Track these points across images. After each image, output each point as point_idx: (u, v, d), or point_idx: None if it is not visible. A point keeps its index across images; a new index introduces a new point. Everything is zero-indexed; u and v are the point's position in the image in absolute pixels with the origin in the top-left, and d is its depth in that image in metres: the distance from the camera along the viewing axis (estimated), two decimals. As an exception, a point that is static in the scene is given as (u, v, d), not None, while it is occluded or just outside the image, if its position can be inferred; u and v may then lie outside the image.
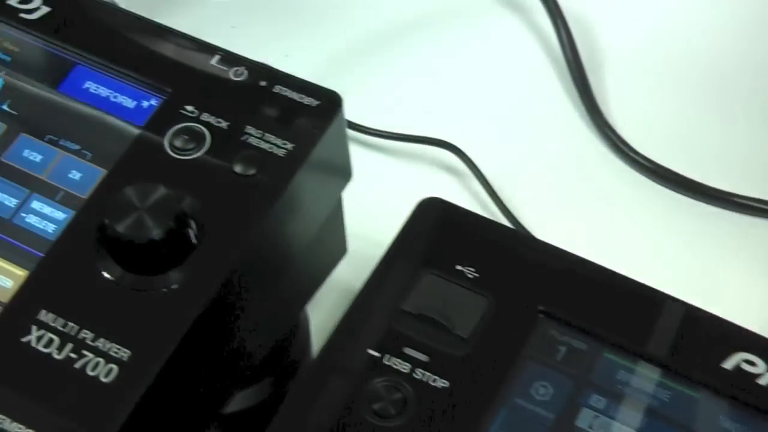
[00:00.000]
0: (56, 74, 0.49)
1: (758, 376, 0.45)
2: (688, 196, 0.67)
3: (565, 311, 0.47)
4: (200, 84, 0.48)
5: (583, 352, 0.46)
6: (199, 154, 0.46)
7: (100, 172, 0.46)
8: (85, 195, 0.46)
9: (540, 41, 0.73)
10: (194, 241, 0.44)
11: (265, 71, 0.48)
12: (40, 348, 0.42)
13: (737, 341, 0.45)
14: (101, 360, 0.42)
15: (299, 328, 0.54)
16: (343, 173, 0.49)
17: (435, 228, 0.49)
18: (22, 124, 0.48)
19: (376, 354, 0.45)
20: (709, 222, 0.65)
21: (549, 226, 0.64)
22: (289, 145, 0.46)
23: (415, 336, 0.46)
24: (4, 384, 0.42)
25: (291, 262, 0.48)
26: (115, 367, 0.42)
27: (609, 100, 0.71)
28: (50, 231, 0.45)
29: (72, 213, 0.45)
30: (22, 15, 0.50)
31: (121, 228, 0.43)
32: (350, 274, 0.55)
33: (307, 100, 0.47)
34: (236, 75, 0.48)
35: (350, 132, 0.55)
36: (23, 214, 0.46)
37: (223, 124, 0.46)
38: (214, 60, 0.48)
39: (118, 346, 0.42)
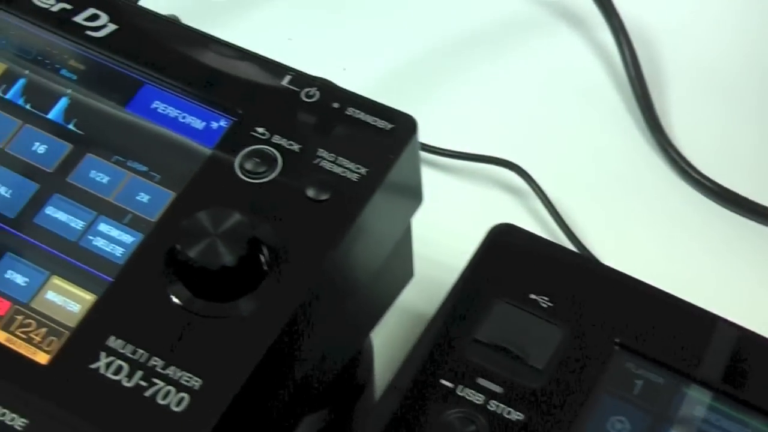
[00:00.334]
0: (123, 93, 0.49)
1: None
2: (754, 219, 0.66)
3: (641, 344, 0.46)
4: (271, 105, 0.48)
5: (660, 387, 0.46)
6: (270, 177, 0.46)
7: (169, 195, 0.46)
8: (153, 218, 0.46)
9: (602, 57, 0.72)
10: (266, 267, 0.43)
11: (338, 93, 0.48)
12: (109, 375, 0.42)
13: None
14: (172, 388, 0.42)
15: (363, 351, 0.54)
16: (415, 197, 0.49)
17: (507, 255, 0.49)
18: (88, 145, 0.48)
19: (449, 384, 0.45)
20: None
21: (610, 248, 0.64)
22: (363, 170, 0.46)
23: (489, 366, 0.46)
24: (73, 412, 0.42)
25: (360, 287, 0.48)
26: (186, 395, 0.42)
27: (672, 118, 0.70)
28: (118, 254, 0.45)
29: (140, 236, 0.45)
30: (89, 33, 0.50)
31: (193, 254, 0.43)
32: (412, 295, 0.55)
33: (381, 123, 0.47)
34: (308, 96, 0.48)
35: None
36: (90, 237, 0.46)
37: (295, 147, 0.46)
38: (285, 80, 0.48)
39: (189, 375, 0.42)
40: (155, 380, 0.42)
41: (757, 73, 0.71)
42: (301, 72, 0.48)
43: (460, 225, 0.64)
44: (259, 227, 0.44)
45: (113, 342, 0.43)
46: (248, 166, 0.46)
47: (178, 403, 0.41)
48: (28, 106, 0.49)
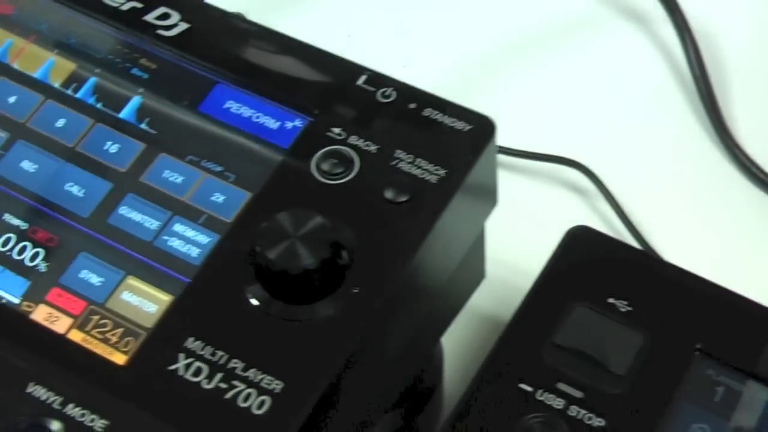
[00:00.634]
0: (196, 93, 0.49)
1: None
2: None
3: (722, 350, 0.47)
4: (347, 105, 0.48)
5: (741, 394, 0.46)
6: (348, 178, 0.46)
7: (245, 195, 0.47)
8: (229, 219, 0.46)
9: (666, 55, 0.73)
10: (345, 270, 0.44)
11: (415, 93, 0.48)
12: (189, 377, 0.43)
13: None
14: (253, 391, 0.42)
15: (433, 354, 0.54)
16: (490, 199, 0.50)
17: (585, 258, 0.49)
18: (161, 144, 0.48)
19: (528, 389, 0.46)
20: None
21: (676, 248, 0.64)
22: (442, 172, 0.46)
23: (569, 371, 0.46)
24: (153, 413, 0.42)
25: (436, 291, 0.48)
26: (267, 398, 0.42)
27: (737, 117, 0.70)
28: (194, 255, 0.46)
29: (216, 237, 0.46)
30: (160, 31, 0.50)
31: (272, 255, 0.43)
32: (477, 296, 0.55)
33: (459, 125, 0.47)
34: (384, 96, 0.48)
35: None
36: (165, 237, 0.46)
37: (372, 148, 0.47)
38: (361, 80, 0.49)
39: (270, 378, 0.43)
40: (235, 382, 0.43)
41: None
42: (377, 72, 0.49)
43: (524, 224, 0.65)
44: (339, 230, 0.44)
45: (192, 343, 0.43)
46: (325, 166, 0.47)
47: (260, 406, 0.42)
48: (99, 105, 0.49)
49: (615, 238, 0.50)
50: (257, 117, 0.49)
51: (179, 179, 0.47)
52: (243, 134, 0.48)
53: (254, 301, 0.44)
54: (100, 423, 0.42)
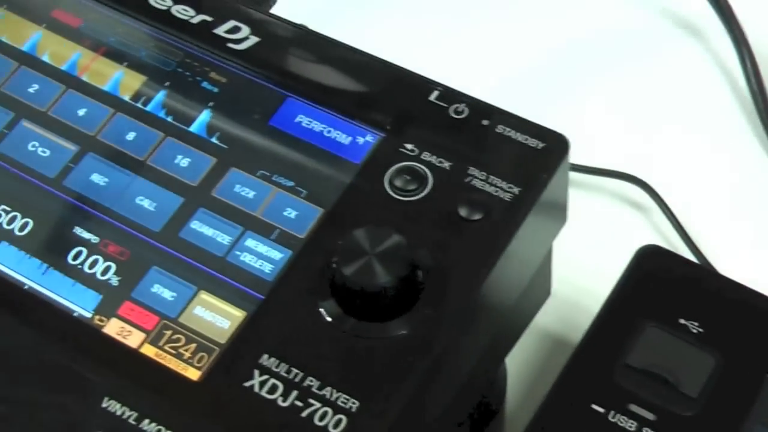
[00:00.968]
0: (266, 107, 0.50)
1: None
2: None
3: (795, 372, 0.47)
4: (419, 121, 0.49)
5: (816, 417, 0.46)
6: (421, 195, 0.47)
7: (317, 211, 0.47)
8: (302, 234, 0.47)
9: (723, 69, 0.73)
10: (420, 289, 0.44)
11: (487, 109, 0.49)
12: (264, 394, 0.43)
13: None
14: (329, 410, 0.43)
15: (497, 373, 0.55)
16: (561, 218, 0.50)
17: (655, 278, 0.49)
18: (232, 159, 0.49)
19: (600, 410, 0.46)
20: None
21: (735, 265, 0.64)
22: (515, 190, 0.47)
23: (641, 392, 0.47)
24: (228, 430, 0.43)
25: (505, 310, 0.48)
26: (343, 417, 0.43)
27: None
28: (267, 271, 0.46)
29: (289, 253, 0.46)
30: (231, 45, 0.51)
31: (349, 273, 0.44)
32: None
33: (533, 142, 0.48)
34: (456, 112, 0.49)
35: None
36: (237, 252, 0.47)
37: (445, 165, 0.47)
38: (433, 96, 0.49)
39: (347, 396, 0.43)
40: (311, 401, 0.43)
41: None
42: (449, 87, 0.49)
43: (581, 240, 0.65)
44: (415, 248, 0.45)
45: (267, 360, 0.44)
46: (398, 183, 0.47)
47: (336, 425, 0.43)
48: (169, 119, 0.50)
49: (685, 257, 0.50)
50: (328, 132, 0.49)
51: (251, 194, 0.48)
52: (314, 149, 0.49)
53: (328, 318, 0.45)
54: (175, 439, 0.43)
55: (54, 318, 0.46)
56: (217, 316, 0.45)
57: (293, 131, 0.49)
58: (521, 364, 0.58)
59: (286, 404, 0.43)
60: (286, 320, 0.45)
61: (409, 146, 0.48)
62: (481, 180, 0.47)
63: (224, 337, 0.45)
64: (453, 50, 0.73)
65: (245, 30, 0.51)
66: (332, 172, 0.48)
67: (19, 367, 0.45)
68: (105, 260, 0.47)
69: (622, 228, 0.66)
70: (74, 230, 0.48)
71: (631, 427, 0.46)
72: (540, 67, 0.73)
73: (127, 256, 0.47)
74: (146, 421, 0.43)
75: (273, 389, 0.43)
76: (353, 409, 0.43)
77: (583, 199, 0.68)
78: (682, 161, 0.69)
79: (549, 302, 0.56)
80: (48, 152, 0.50)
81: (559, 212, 0.50)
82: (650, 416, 0.46)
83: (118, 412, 0.43)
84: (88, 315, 0.46)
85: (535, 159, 0.47)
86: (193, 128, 0.50)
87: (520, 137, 0.48)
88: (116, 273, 0.47)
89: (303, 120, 0.49)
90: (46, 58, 0.52)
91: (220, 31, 0.51)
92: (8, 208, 0.49)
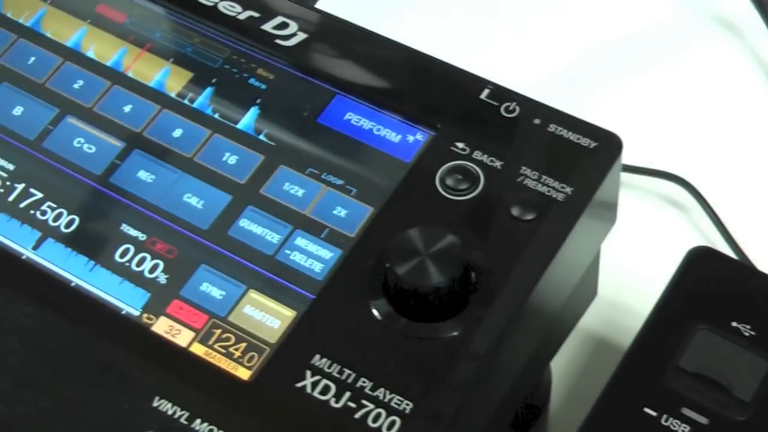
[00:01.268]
0: (315, 104, 0.50)
1: None
2: None
3: None
4: (470, 119, 0.48)
5: None
6: (473, 194, 0.47)
7: (367, 210, 0.47)
8: (352, 234, 0.47)
9: (762, 66, 0.73)
10: (473, 290, 0.44)
11: (538, 108, 0.49)
12: (317, 395, 0.43)
13: None
14: (382, 411, 0.43)
15: (542, 374, 0.55)
16: (611, 218, 0.50)
17: (706, 281, 0.49)
18: (280, 156, 0.49)
19: (653, 413, 0.46)
20: None
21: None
22: (568, 189, 0.46)
23: (693, 396, 0.46)
24: (280, 431, 0.43)
25: (555, 311, 0.48)
26: (397, 419, 0.43)
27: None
28: (317, 270, 0.46)
29: (339, 252, 0.46)
30: (279, 41, 0.51)
31: (402, 272, 0.43)
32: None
33: (585, 141, 0.48)
34: (507, 111, 0.48)
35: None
36: (287, 251, 0.47)
37: (497, 164, 0.47)
38: (484, 94, 0.49)
39: (400, 398, 0.43)
40: (365, 402, 0.43)
41: None
42: (500, 85, 0.49)
43: (621, 239, 0.65)
44: (468, 248, 0.44)
45: (318, 361, 0.44)
46: (450, 182, 0.47)
47: (390, 427, 0.42)
48: (216, 116, 0.50)
49: (736, 259, 0.50)
50: (378, 130, 0.49)
51: (300, 192, 0.48)
52: (364, 147, 0.49)
53: (380, 318, 0.44)
54: (227, 439, 0.43)
55: (102, 316, 0.46)
56: (267, 316, 0.45)
57: (342, 129, 0.49)
58: (565, 364, 0.58)
59: (338, 405, 0.43)
60: (337, 320, 0.45)
61: (460, 145, 0.48)
62: (533, 180, 0.47)
63: (274, 337, 0.45)
64: (487, 48, 0.73)
65: (293, 26, 0.51)
66: (382, 170, 0.48)
67: (68, 365, 0.45)
68: (153, 258, 0.47)
69: (662, 227, 0.66)
70: (121, 227, 0.48)
71: (683, 430, 0.46)
72: (577, 63, 0.73)
73: (175, 254, 0.47)
74: (198, 420, 0.43)
75: (325, 390, 0.43)
76: (407, 411, 0.43)
77: (622, 197, 0.67)
78: (723, 160, 0.69)
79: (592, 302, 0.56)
80: (94, 148, 0.49)
81: (609, 212, 0.49)
82: (703, 420, 0.46)
83: (170, 412, 0.43)
84: (137, 313, 0.46)
85: (588, 158, 0.47)
86: (241, 125, 0.49)
87: (572, 136, 0.48)
88: (164, 271, 0.47)
89: (352, 117, 0.49)
90: (91, 54, 0.52)
91: (268, 27, 0.51)
92: (54, 205, 0.48)
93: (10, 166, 0.49)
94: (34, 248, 0.47)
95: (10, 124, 0.50)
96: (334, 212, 0.47)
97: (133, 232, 0.47)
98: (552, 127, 0.48)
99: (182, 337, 0.45)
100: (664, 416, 0.46)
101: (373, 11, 0.72)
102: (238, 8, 0.52)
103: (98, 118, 0.50)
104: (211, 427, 0.43)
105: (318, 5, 0.61)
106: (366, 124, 0.49)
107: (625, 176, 0.68)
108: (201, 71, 0.51)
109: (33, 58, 0.52)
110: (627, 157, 0.66)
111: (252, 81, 0.50)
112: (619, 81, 0.72)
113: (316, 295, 0.45)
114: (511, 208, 0.46)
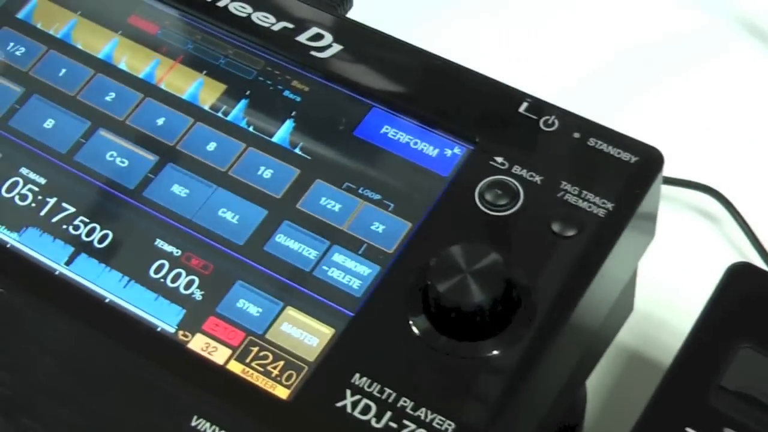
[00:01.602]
0: (351, 117, 0.49)
1: None
2: None
3: None
4: (509, 133, 0.48)
5: None
6: (513, 210, 0.46)
7: (405, 226, 0.47)
8: (390, 249, 0.46)
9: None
10: (515, 308, 0.44)
11: (578, 121, 0.48)
12: (357, 415, 0.43)
13: None
14: (424, 431, 0.42)
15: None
16: (650, 233, 0.49)
17: (747, 298, 0.49)
18: (316, 170, 0.48)
19: (694, 432, 0.45)
20: None
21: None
22: (609, 205, 0.46)
23: (736, 415, 0.46)
24: (320, 451, 0.43)
25: (595, 328, 0.48)
26: (439, 439, 0.42)
27: None
28: (355, 287, 0.46)
29: (377, 268, 0.46)
30: (314, 53, 0.50)
31: (444, 290, 0.43)
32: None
33: (625, 156, 0.47)
34: (547, 125, 0.48)
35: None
36: (325, 268, 0.46)
37: (537, 179, 0.47)
38: (523, 107, 0.49)
39: (442, 418, 0.42)
40: (406, 422, 0.43)
41: None
42: (539, 98, 0.49)
43: (654, 252, 0.64)
44: (510, 266, 0.44)
45: (358, 380, 0.43)
46: (489, 197, 0.46)
47: (433, 447, 0.42)
48: (251, 129, 0.49)
49: (778, 275, 0.50)
50: (415, 143, 0.49)
51: (337, 207, 0.47)
52: (401, 161, 0.48)
53: (420, 336, 0.44)
54: (267, 460, 0.42)
55: (137, 333, 0.46)
56: (305, 333, 0.45)
57: (379, 142, 0.49)
58: (598, 380, 0.57)
59: (380, 425, 0.43)
60: (376, 338, 0.44)
61: (499, 159, 0.47)
62: (573, 195, 0.46)
63: (313, 355, 0.44)
64: (518, 55, 0.73)
65: (328, 37, 0.51)
66: (420, 185, 0.47)
67: (104, 383, 0.45)
68: (188, 274, 0.46)
69: (692, 238, 0.66)
70: (155, 243, 0.47)
71: (727, 450, 0.45)
72: (603, 73, 0.72)
73: (210, 269, 0.47)
74: (236, 441, 0.43)
75: (366, 410, 0.43)
76: (449, 431, 0.42)
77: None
78: (754, 168, 0.69)
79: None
80: (126, 162, 0.49)
81: (649, 227, 0.49)
82: (746, 440, 0.45)
83: (208, 431, 0.43)
84: (172, 330, 0.45)
85: (629, 173, 0.47)
86: (276, 139, 0.49)
87: (612, 151, 0.47)
88: (200, 287, 0.46)
89: (389, 131, 0.49)
90: (123, 66, 0.51)
91: (303, 38, 0.51)
92: (86, 219, 0.48)
93: (42, 180, 0.49)
94: (67, 263, 0.47)
95: (42, 137, 0.50)
96: (372, 228, 0.47)
97: (168, 248, 0.47)
98: (592, 141, 0.47)
99: (219, 355, 0.45)
100: (706, 435, 0.45)
101: (404, 19, 0.72)
102: (272, 19, 0.51)
103: (131, 131, 0.50)
104: (251, 446, 0.42)
105: (350, 15, 0.60)
106: (403, 137, 0.49)
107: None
108: (235, 83, 0.50)
109: (64, 70, 0.51)
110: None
111: (287, 93, 0.50)
112: (645, 90, 0.72)
113: (355, 312, 0.45)
114: (551, 224, 0.46)
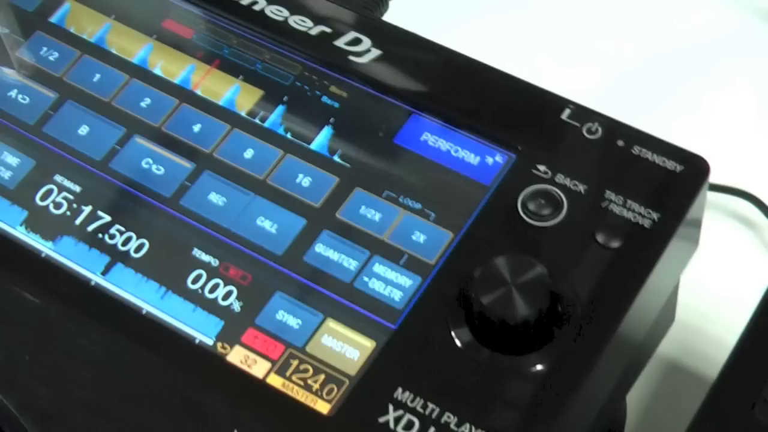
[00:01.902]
0: (390, 124, 0.49)
1: None
2: None
3: None
4: (551, 141, 0.47)
5: None
6: (557, 220, 0.45)
7: (447, 235, 0.46)
8: (432, 260, 0.46)
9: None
10: (560, 321, 0.43)
11: (621, 129, 0.47)
12: (400, 430, 0.42)
13: None
14: (468, 447, 0.42)
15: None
16: (695, 243, 0.49)
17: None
18: (356, 178, 0.48)
19: (741, 448, 0.45)
20: None
21: None
22: (654, 215, 0.45)
23: (784, 430, 0.45)
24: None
25: (638, 341, 0.47)
26: (484, 455, 0.42)
27: None
28: (396, 299, 0.45)
29: (419, 279, 0.45)
30: (352, 58, 0.50)
31: (488, 302, 0.42)
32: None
33: (670, 165, 0.46)
34: (589, 132, 0.47)
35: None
36: (365, 278, 0.46)
37: (580, 188, 0.46)
38: (565, 114, 0.48)
39: (486, 433, 0.42)
40: (450, 438, 0.42)
41: None
42: (581, 105, 0.48)
43: (693, 258, 0.64)
44: (556, 278, 0.43)
45: (401, 394, 0.43)
46: (532, 207, 0.46)
47: (478, 463, 0.41)
48: (288, 135, 0.49)
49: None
50: (456, 151, 0.48)
51: (377, 216, 0.47)
52: (441, 169, 0.48)
53: (463, 349, 0.43)
54: (309, 476, 0.42)
55: (175, 344, 0.45)
56: (346, 346, 0.44)
57: (419, 150, 0.48)
58: (638, 390, 0.57)
59: (423, 441, 0.42)
60: (419, 352, 0.44)
61: (542, 168, 0.47)
62: (618, 205, 0.46)
63: (354, 369, 0.44)
64: (551, 56, 0.72)
65: (366, 42, 0.50)
66: (461, 194, 0.47)
67: (141, 395, 0.45)
68: (226, 284, 0.46)
69: (730, 244, 0.65)
70: (193, 252, 0.47)
71: (774, 465, 0.44)
72: (638, 74, 0.71)
73: (248, 280, 0.46)
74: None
75: (409, 425, 0.42)
76: (493, 446, 0.42)
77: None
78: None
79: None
80: (162, 170, 0.48)
81: (693, 237, 0.48)
82: (794, 454, 0.45)
83: (249, 447, 0.42)
84: (210, 342, 0.45)
85: (674, 183, 0.46)
86: (314, 146, 0.48)
87: (657, 159, 0.47)
88: (238, 298, 0.46)
89: (429, 138, 0.48)
90: (158, 71, 0.51)
91: (341, 43, 0.50)
92: (122, 229, 0.48)
93: (77, 188, 0.48)
94: (103, 273, 0.47)
95: (76, 144, 0.49)
96: (413, 237, 0.46)
97: (206, 257, 0.46)
98: (636, 149, 0.47)
99: (258, 368, 0.44)
100: (754, 451, 0.45)
101: (439, 21, 0.71)
102: (309, 23, 0.51)
103: (167, 137, 0.49)
104: (292, 462, 0.42)
105: (385, 17, 0.60)
106: (443, 145, 0.48)
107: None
108: (272, 89, 0.50)
109: (98, 76, 0.51)
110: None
111: (324, 99, 0.49)
112: (680, 92, 0.71)
113: (397, 324, 0.44)
114: (596, 235, 0.45)
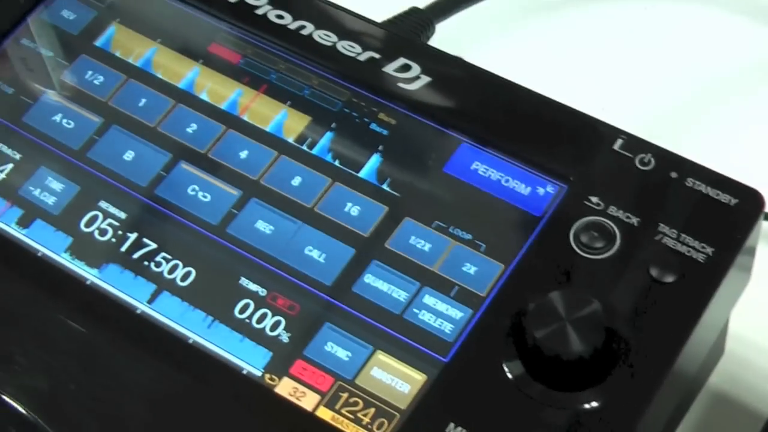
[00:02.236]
0: (440, 152, 0.48)
1: None
2: None
3: None
4: (604, 172, 0.47)
5: None
6: (609, 253, 0.45)
7: (498, 267, 0.46)
8: (483, 292, 0.45)
9: None
10: (615, 358, 0.43)
11: (675, 160, 0.47)
12: (452, 466, 0.42)
13: None
14: (521, 485, 0.41)
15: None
16: (747, 275, 0.48)
17: None
18: (405, 208, 0.47)
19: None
20: None
21: None
22: (709, 250, 0.45)
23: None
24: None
25: (691, 376, 0.47)
26: (539, 494, 0.41)
27: None
28: (447, 331, 0.45)
29: (469, 312, 0.45)
30: (401, 84, 0.50)
31: (542, 336, 0.42)
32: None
33: (724, 198, 0.46)
34: (642, 163, 0.47)
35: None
36: (415, 310, 0.45)
37: (633, 221, 0.46)
38: (617, 144, 0.48)
39: (541, 471, 0.42)
40: (503, 475, 0.42)
41: None
42: (634, 135, 0.48)
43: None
44: (612, 315, 0.43)
45: (453, 429, 0.43)
46: (584, 239, 0.46)
47: (530, 502, 0.41)
48: (336, 163, 0.49)
49: None
50: (506, 181, 0.48)
51: (427, 247, 0.47)
52: (492, 199, 0.47)
53: (516, 385, 0.43)
54: None
55: (222, 375, 0.45)
56: (396, 379, 0.44)
57: (469, 179, 0.48)
58: (686, 422, 0.56)
59: (473, 478, 0.42)
60: (470, 386, 0.44)
61: (594, 199, 0.46)
62: (672, 238, 0.45)
63: (405, 402, 0.44)
64: (594, 83, 0.71)
65: (416, 68, 0.50)
66: (512, 225, 0.47)
67: (189, 426, 0.44)
68: (274, 314, 0.46)
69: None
70: (240, 281, 0.47)
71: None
72: (685, 95, 0.71)
73: (297, 310, 0.46)
74: (331, 491, 0.42)
75: (461, 460, 0.42)
76: (548, 486, 0.41)
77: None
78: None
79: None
80: (209, 197, 0.48)
81: (746, 270, 0.48)
82: None
83: (300, 482, 0.42)
84: (258, 373, 0.45)
85: (729, 216, 0.46)
86: (363, 174, 0.48)
87: (711, 192, 0.46)
88: (286, 329, 0.46)
89: (479, 167, 0.48)
90: (204, 96, 0.51)
91: (390, 69, 0.50)
92: (169, 257, 0.47)
93: (122, 215, 0.48)
94: (149, 302, 0.46)
95: (121, 170, 0.49)
96: (464, 269, 0.46)
97: (253, 287, 0.46)
98: (690, 182, 0.46)
99: (307, 401, 0.44)
100: (809, 488, 0.45)
101: (484, 45, 0.71)
102: (358, 48, 0.51)
103: (213, 164, 0.49)
104: (344, 499, 0.42)
105: (432, 41, 0.60)
106: (494, 174, 0.48)
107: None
108: (320, 115, 0.50)
109: (144, 100, 0.51)
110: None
111: (373, 126, 0.49)
112: (730, 116, 0.70)
113: (448, 358, 0.44)
114: (650, 269, 0.45)
